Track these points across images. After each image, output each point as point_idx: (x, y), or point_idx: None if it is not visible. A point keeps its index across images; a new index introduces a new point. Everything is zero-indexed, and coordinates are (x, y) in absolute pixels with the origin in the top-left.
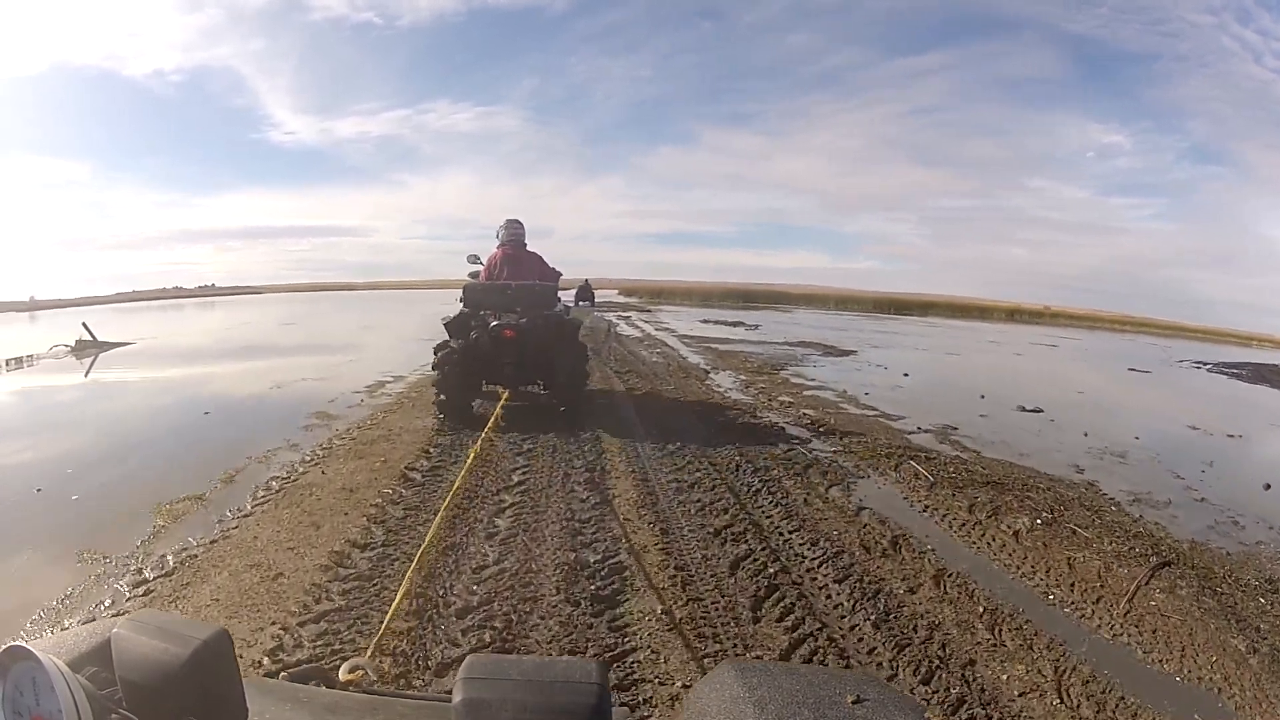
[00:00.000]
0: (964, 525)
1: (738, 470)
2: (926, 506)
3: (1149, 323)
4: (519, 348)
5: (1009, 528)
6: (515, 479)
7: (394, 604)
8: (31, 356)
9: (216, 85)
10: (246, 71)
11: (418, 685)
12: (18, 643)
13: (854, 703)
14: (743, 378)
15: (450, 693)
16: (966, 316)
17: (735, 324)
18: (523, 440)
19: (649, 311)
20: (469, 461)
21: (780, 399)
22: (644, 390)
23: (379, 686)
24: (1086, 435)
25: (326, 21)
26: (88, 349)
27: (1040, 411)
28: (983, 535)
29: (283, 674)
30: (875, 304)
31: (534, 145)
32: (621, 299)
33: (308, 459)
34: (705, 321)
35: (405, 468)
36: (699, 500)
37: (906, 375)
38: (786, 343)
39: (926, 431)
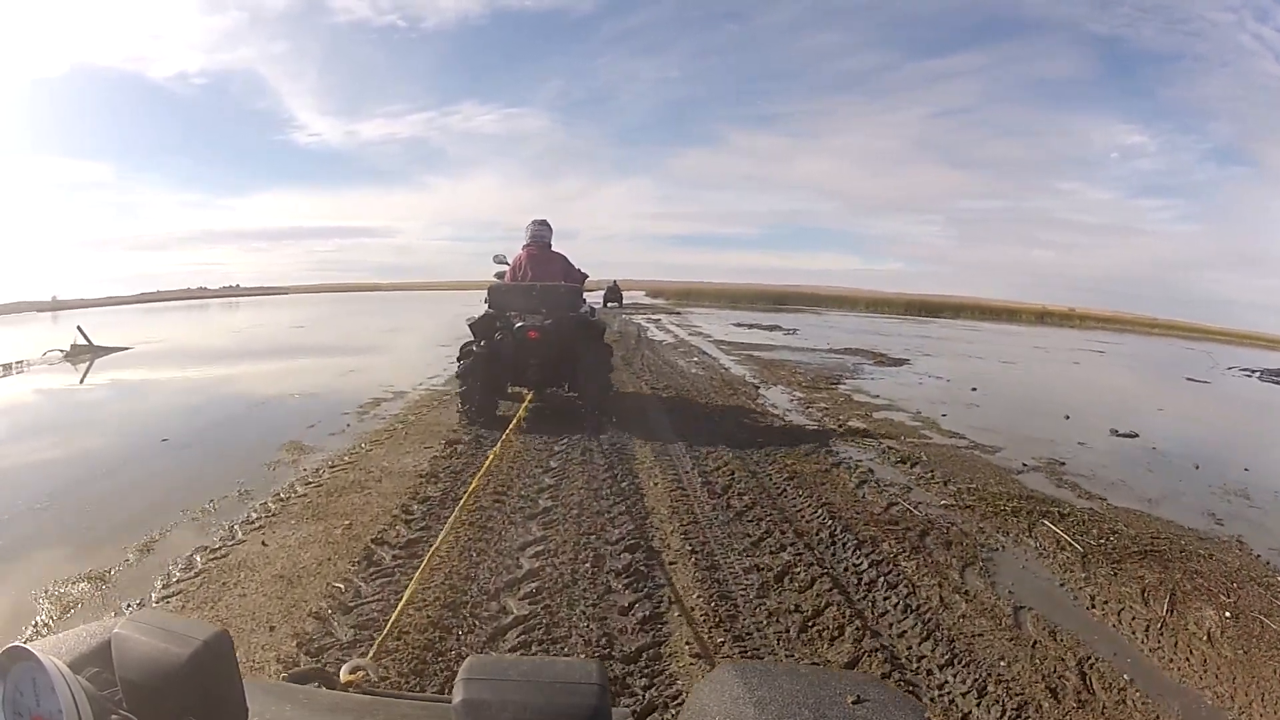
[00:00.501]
0: (1148, 628)
1: (834, 543)
2: (1093, 598)
3: (1174, 325)
4: (544, 349)
5: (1198, 627)
6: (525, 565)
7: None
8: (22, 362)
9: (240, 87)
10: (270, 74)
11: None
12: (18, 643)
13: (854, 703)
14: (799, 394)
15: (450, 693)
16: (996, 319)
17: (771, 328)
18: (538, 493)
19: (678, 314)
20: (463, 502)
21: (850, 424)
22: (686, 412)
23: (379, 687)
24: (1198, 468)
25: (350, 24)
26: (82, 354)
27: (1136, 436)
28: (1175, 644)
29: (283, 675)
30: (906, 306)
31: (559, 147)
32: (649, 300)
33: (253, 518)
34: (739, 325)
35: (373, 540)
36: (797, 606)
37: (975, 390)
38: (832, 350)
39: (1034, 470)
